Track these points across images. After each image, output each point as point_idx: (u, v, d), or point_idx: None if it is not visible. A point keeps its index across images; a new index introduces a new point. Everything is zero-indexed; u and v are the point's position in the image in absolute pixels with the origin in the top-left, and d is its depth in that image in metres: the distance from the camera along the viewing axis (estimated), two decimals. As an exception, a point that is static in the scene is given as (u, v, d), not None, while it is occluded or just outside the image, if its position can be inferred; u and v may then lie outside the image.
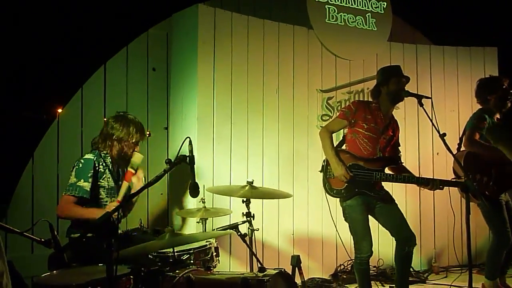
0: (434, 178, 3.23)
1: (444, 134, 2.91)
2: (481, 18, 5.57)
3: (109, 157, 3.11)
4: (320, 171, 3.38)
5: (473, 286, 2.88)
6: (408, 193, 4.66)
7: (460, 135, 3.82)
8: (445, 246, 4.83)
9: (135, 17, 4.26)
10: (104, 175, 3.05)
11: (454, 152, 3.38)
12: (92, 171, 2.97)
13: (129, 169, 3.05)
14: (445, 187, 3.27)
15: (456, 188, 3.38)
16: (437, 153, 4.80)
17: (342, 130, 3.78)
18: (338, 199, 3.34)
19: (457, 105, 5.00)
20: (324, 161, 3.35)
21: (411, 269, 4.36)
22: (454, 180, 3.51)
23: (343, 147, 3.44)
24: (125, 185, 3.02)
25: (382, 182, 3.34)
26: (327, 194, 3.34)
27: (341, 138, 3.59)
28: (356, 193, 3.24)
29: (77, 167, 2.97)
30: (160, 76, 4.32)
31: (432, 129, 4.65)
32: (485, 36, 5.42)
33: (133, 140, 3.07)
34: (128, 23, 4.45)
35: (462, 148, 3.72)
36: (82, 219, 2.90)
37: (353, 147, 3.32)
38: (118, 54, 4.15)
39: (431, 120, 2.92)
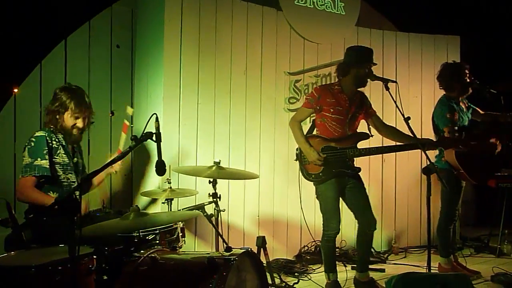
0: (424, 139, 3.36)
1: (409, 118, 2.96)
2: (445, 7, 5.69)
3: (60, 133, 2.94)
4: (295, 160, 3.46)
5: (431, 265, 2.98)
6: (371, 176, 4.76)
7: (432, 126, 3.92)
8: (404, 228, 4.99)
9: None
10: (58, 151, 2.89)
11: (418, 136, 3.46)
12: (46, 148, 2.81)
13: (125, 121, 2.98)
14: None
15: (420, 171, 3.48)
16: (400, 138, 4.91)
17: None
18: (313, 182, 3.39)
19: (420, 91, 5.11)
20: (297, 149, 3.43)
21: (372, 250, 4.49)
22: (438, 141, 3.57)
23: (314, 131, 3.48)
24: (123, 136, 2.97)
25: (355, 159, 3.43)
26: (305, 179, 3.40)
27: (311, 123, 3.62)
28: (333, 175, 3.31)
29: (29, 146, 2.81)
30: (125, 54, 4.20)
31: (396, 114, 4.75)
32: (448, 24, 5.55)
33: (68, 112, 2.88)
34: (90, -3, 4.26)
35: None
36: (43, 204, 2.74)
37: (324, 130, 3.38)
38: (79, 30, 4.00)
39: (396, 104, 2.97)
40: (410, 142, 3.29)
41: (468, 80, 3.76)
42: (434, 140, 3.64)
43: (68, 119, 2.91)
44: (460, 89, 3.79)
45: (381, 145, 3.43)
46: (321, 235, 3.40)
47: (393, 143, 3.49)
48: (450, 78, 3.80)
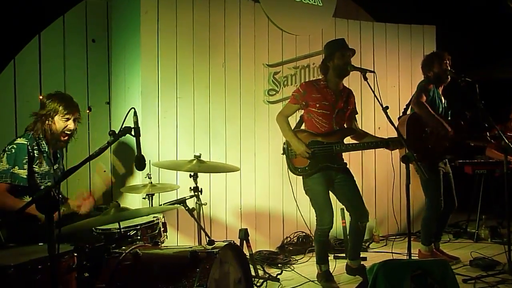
0: (392, 138, 3.36)
1: (387, 107, 2.99)
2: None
3: (44, 140, 2.94)
4: (282, 154, 3.47)
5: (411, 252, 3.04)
6: (351, 166, 4.79)
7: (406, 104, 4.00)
8: (385, 216, 5.06)
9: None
10: (38, 160, 2.88)
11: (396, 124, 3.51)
12: (27, 158, 2.81)
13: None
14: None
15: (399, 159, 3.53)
16: (379, 128, 4.97)
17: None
18: (301, 176, 3.42)
19: (397, 81, 5.18)
20: (284, 144, 3.45)
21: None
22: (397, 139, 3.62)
23: (302, 126, 3.52)
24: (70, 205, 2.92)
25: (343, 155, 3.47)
26: (292, 173, 3.42)
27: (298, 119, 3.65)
28: (320, 168, 3.33)
29: (8, 152, 2.79)
30: (101, 48, 4.13)
31: (375, 104, 4.81)
32: (424, 14, 5.61)
33: (59, 115, 2.92)
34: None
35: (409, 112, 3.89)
36: (13, 209, 2.70)
37: (311, 125, 3.41)
38: (53, 24, 3.92)
39: (375, 94, 3.00)
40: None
41: (440, 71, 3.84)
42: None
43: (59, 121, 2.93)
44: (434, 78, 3.88)
45: (368, 140, 3.44)
46: (315, 229, 3.42)
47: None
48: (424, 70, 3.95)
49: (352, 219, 3.46)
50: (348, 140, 3.46)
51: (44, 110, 2.92)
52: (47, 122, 2.91)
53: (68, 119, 2.95)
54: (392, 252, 4.25)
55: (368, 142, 3.42)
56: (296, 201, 3.63)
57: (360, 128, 3.73)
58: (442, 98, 3.97)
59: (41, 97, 3.03)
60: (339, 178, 3.41)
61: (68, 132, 2.97)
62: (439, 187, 3.81)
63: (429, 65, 3.92)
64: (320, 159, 3.33)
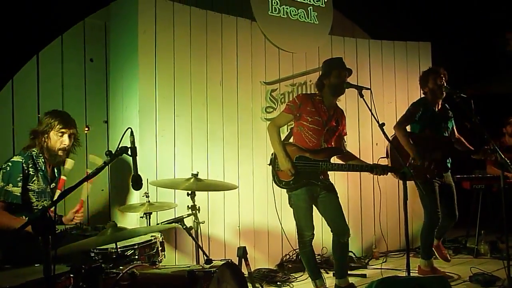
0: (377, 164, 3.36)
1: (383, 124, 3.02)
2: (416, 14, 5.84)
3: (41, 157, 2.95)
4: (269, 164, 3.48)
5: (410, 268, 3.02)
6: (350, 182, 4.81)
7: None
8: (384, 233, 5.03)
9: (70, 5, 4.04)
10: (34, 178, 2.89)
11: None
12: (21, 175, 2.81)
13: (62, 176, 2.94)
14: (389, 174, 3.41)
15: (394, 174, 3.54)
16: (376, 144, 4.98)
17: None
18: (285, 189, 3.44)
19: (394, 97, 5.21)
20: (272, 154, 3.45)
21: (353, 255, 4.53)
22: (393, 167, 3.65)
23: (291, 139, 3.51)
24: (57, 194, 2.89)
25: (328, 172, 3.45)
26: (276, 186, 3.43)
27: (288, 131, 3.66)
28: (303, 184, 3.34)
29: (4, 170, 2.81)
30: (99, 68, 4.15)
31: (372, 121, 4.83)
32: (419, 31, 5.68)
33: (54, 130, 2.93)
34: (62, 12, 4.21)
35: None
36: (9, 227, 2.70)
37: (299, 139, 3.41)
38: (52, 45, 3.94)
39: (371, 111, 3.02)
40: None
41: (434, 86, 3.91)
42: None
43: (54, 136, 2.94)
44: (429, 95, 3.97)
45: (354, 162, 3.46)
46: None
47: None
48: (420, 86, 4.06)
49: (333, 236, 3.45)
50: (334, 160, 3.46)
51: (40, 127, 2.95)
52: (43, 138, 2.93)
53: (63, 134, 2.96)
54: (391, 269, 4.24)
55: (353, 164, 3.40)
56: (279, 218, 3.62)
57: (358, 144, 3.75)
58: (448, 111, 4.05)
59: (39, 115, 3.06)
60: (322, 195, 3.41)
61: (63, 146, 2.96)
62: (434, 199, 3.85)
63: (424, 81, 4.01)
64: (305, 175, 3.33)
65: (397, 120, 3.97)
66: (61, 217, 3.07)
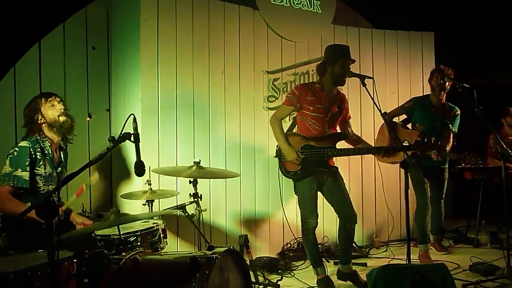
0: (383, 146, 3.39)
1: (385, 113, 3.03)
2: (419, 4, 5.78)
3: (47, 141, 2.95)
4: (275, 157, 3.50)
5: (411, 257, 3.04)
6: (351, 171, 4.82)
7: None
8: (385, 222, 5.06)
9: (72, -8, 4.03)
10: (41, 163, 2.89)
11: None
12: (29, 160, 2.82)
13: (82, 185, 2.87)
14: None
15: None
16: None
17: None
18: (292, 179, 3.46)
19: (396, 87, 5.19)
20: (277, 147, 3.48)
21: (354, 245, 4.54)
22: (399, 146, 3.64)
23: (295, 129, 3.52)
24: (70, 201, 2.89)
25: (334, 159, 3.48)
26: (284, 177, 3.47)
27: (291, 120, 3.67)
28: (311, 173, 3.36)
29: (11, 155, 2.82)
30: (101, 55, 4.14)
31: (374, 110, 4.82)
32: (422, 21, 5.64)
33: (43, 105, 2.95)
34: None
35: None
36: (16, 213, 2.71)
37: (303, 128, 3.42)
38: (54, 32, 3.93)
39: (373, 100, 3.01)
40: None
41: (435, 83, 4.12)
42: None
43: (46, 110, 2.95)
44: (432, 88, 4.17)
45: (361, 145, 3.48)
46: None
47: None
48: (431, 77, 4.23)
49: (340, 222, 3.46)
50: (342, 145, 3.47)
51: (29, 109, 2.97)
52: (38, 120, 2.94)
53: (53, 105, 2.98)
54: (392, 258, 4.27)
55: (360, 148, 3.44)
56: (283, 207, 3.66)
57: (360, 133, 3.75)
58: (445, 105, 4.16)
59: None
60: (328, 182, 3.42)
61: (61, 111, 2.98)
62: (424, 188, 4.02)
63: (430, 77, 4.22)
64: (312, 163, 3.35)
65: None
66: (63, 204, 3.08)
